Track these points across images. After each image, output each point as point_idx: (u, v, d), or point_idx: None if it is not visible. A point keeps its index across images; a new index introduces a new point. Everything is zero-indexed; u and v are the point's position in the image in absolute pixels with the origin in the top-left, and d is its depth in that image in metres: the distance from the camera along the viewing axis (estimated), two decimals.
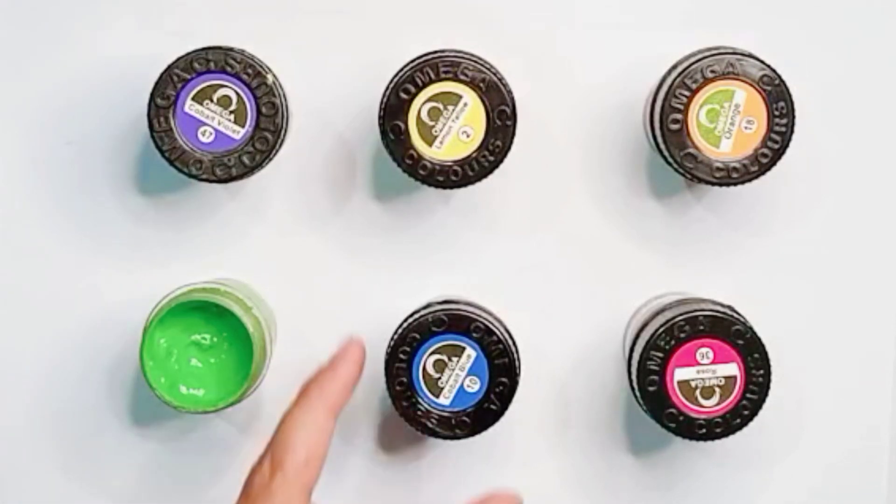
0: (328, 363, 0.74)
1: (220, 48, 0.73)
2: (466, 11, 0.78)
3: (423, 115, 0.73)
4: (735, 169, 0.73)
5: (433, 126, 0.73)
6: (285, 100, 0.74)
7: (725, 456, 0.80)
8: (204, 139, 0.73)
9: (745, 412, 0.73)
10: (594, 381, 0.79)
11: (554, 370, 0.79)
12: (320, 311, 0.79)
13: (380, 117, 0.73)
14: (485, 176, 0.73)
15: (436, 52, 0.74)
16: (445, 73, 0.72)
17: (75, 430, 0.80)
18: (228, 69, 0.72)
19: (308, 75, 0.78)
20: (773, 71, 0.73)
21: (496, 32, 0.78)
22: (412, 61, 0.73)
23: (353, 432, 0.80)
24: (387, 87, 0.73)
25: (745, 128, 0.73)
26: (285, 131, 0.74)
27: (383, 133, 0.73)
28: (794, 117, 0.73)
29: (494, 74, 0.73)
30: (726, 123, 0.73)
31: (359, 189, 0.79)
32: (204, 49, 0.73)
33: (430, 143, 0.73)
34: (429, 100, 0.73)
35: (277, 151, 0.74)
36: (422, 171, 0.73)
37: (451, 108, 0.73)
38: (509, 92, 0.73)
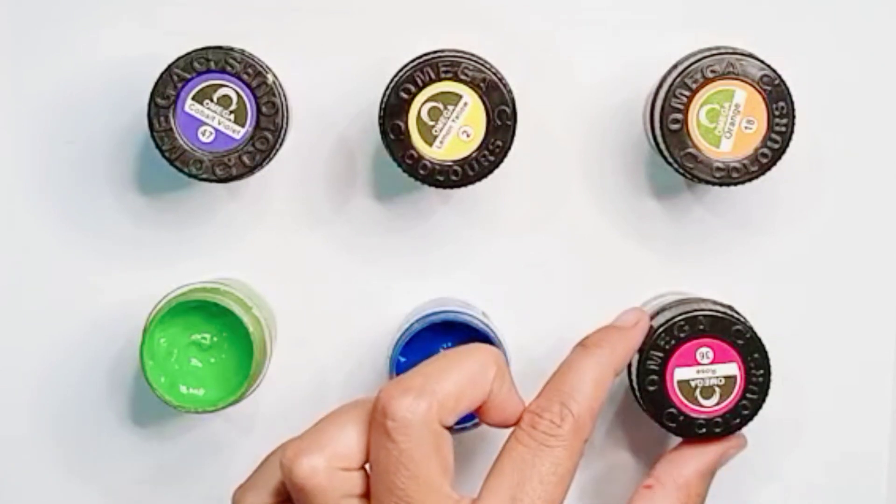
0: (616, 323, 0.72)
1: (220, 48, 0.73)
2: (466, 11, 0.78)
3: (423, 114, 0.73)
4: (735, 169, 0.73)
5: (433, 126, 0.73)
6: (285, 99, 0.74)
7: None
8: (204, 139, 0.73)
9: (745, 412, 0.73)
10: None
11: (553, 370, 0.79)
12: (320, 310, 0.79)
13: (380, 117, 0.73)
14: (485, 176, 0.73)
15: (436, 52, 0.74)
16: (445, 73, 0.72)
17: (75, 430, 0.80)
18: (229, 69, 0.72)
19: (308, 75, 0.78)
20: (773, 71, 0.73)
21: (496, 32, 0.78)
22: (412, 61, 0.73)
23: None
24: (387, 87, 0.73)
25: (746, 128, 0.73)
26: (285, 131, 0.74)
27: (383, 133, 0.73)
28: (794, 117, 0.73)
29: (494, 74, 0.73)
30: (726, 123, 0.73)
31: (359, 189, 0.79)
32: (204, 49, 0.73)
33: (430, 143, 0.73)
34: (429, 100, 0.73)
35: (278, 151, 0.74)
36: (422, 171, 0.73)
37: (451, 107, 0.73)
38: (509, 92, 0.73)
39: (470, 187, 0.73)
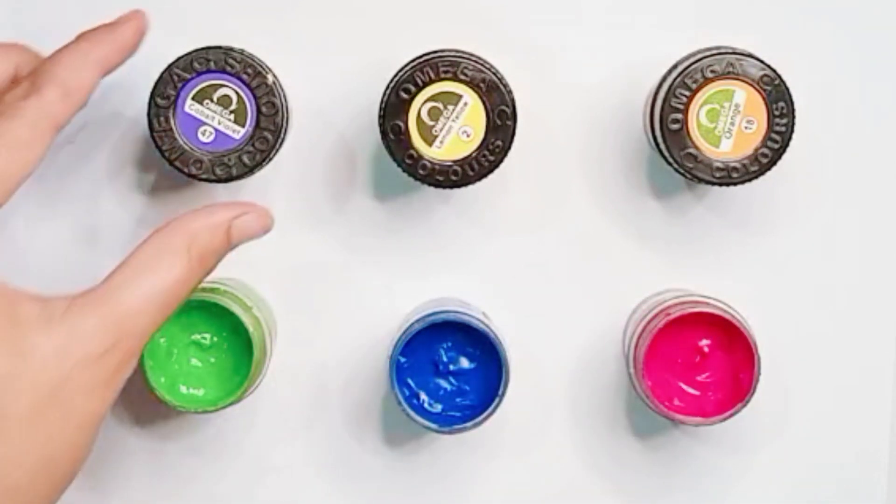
0: (109, 22, 0.73)
1: (220, 48, 0.73)
2: (466, 11, 0.78)
3: (423, 114, 0.73)
4: (735, 169, 0.73)
5: (433, 126, 0.73)
6: (285, 100, 0.74)
7: (725, 457, 0.80)
8: (204, 139, 0.73)
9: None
10: (594, 381, 0.79)
11: (554, 370, 0.79)
12: (320, 310, 0.79)
13: (380, 117, 0.73)
14: (485, 176, 0.73)
15: (436, 52, 0.74)
16: (445, 72, 0.72)
17: None
18: (228, 69, 0.72)
19: (308, 75, 0.78)
20: (773, 71, 0.73)
21: (496, 32, 0.78)
22: (412, 61, 0.73)
23: (357, 429, 0.80)
24: (387, 87, 0.73)
25: (745, 128, 0.73)
26: (285, 131, 0.74)
27: (383, 133, 0.73)
28: (794, 117, 0.73)
29: (494, 74, 0.73)
30: (726, 123, 0.73)
31: (359, 189, 0.79)
32: (204, 49, 0.73)
33: (430, 143, 0.73)
34: (429, 100, 0.73)
35: (277, 151, 0.74)
36: (422, 171, 0.73)
37: (451, 107, 0.73)
38: (509, 92, 0.73)
39: (470, 187, 0.73)
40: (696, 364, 0.75)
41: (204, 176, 0.73)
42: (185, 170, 0.73)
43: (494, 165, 0.73)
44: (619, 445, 0.80)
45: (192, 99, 0.73)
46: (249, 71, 0.72)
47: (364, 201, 0.79)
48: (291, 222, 0.79)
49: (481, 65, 0.73)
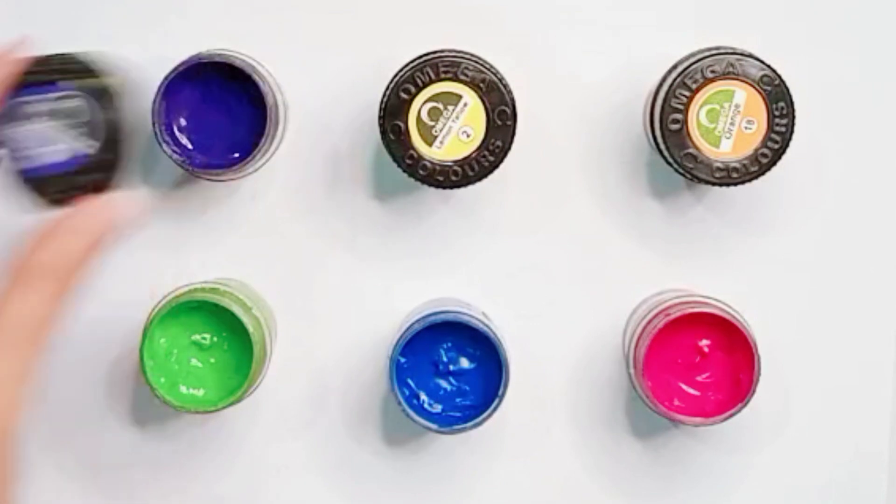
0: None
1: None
2: (466, 11, 0.78)
3: (423, 115, 0.73)
4: (735, 169, 0.73)
5: (433, 126, 0.73)
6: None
7: (725, 457, 0.80)
8: (57, 158, 0.69)
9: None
10: (594, 381, 0.79)
11: (554, 370, 0.79)
12: (320, 310, 0.79)
13: (380, 117, 0.73)
14: (485, 176, 0.73)
15: (436, 52, 0.74)
16: (445, 73, 0.72)
17: (75, 430, 0.80)
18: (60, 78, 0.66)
19: (308, 75, 0.78)
20: (773, 71, 0.73)
21: (496, 32, 0.78)
22: (412, 61, 0.73)
23: (357, 429, 0.80)
24: (387, 87, 0.73)
25: (745, 128, 0.73)
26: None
27: (383, 133, 0.73)
28: (794, 117, 0.73)
29: (494, 74, 0.73)
30: (726, 123, 0.73)
31: (359, 189, 0.79)
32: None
33: (430, 143, 0.73)
34: (429, 100, 0.73)
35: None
36: (422, 171, 0.73)
37: (451, 108, 0.73)
38: (509, 92, 0.73)
39: (470, 187, 0.73)
40: (696, 364, 0.75)
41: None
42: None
43: (494, 165, 0.73)
44: (619, 445, 0.80)
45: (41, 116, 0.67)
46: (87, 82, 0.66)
47: (364, 201, 0.79)
48: (292, 222, 0.79)
49: (481, 65, 0.73)
